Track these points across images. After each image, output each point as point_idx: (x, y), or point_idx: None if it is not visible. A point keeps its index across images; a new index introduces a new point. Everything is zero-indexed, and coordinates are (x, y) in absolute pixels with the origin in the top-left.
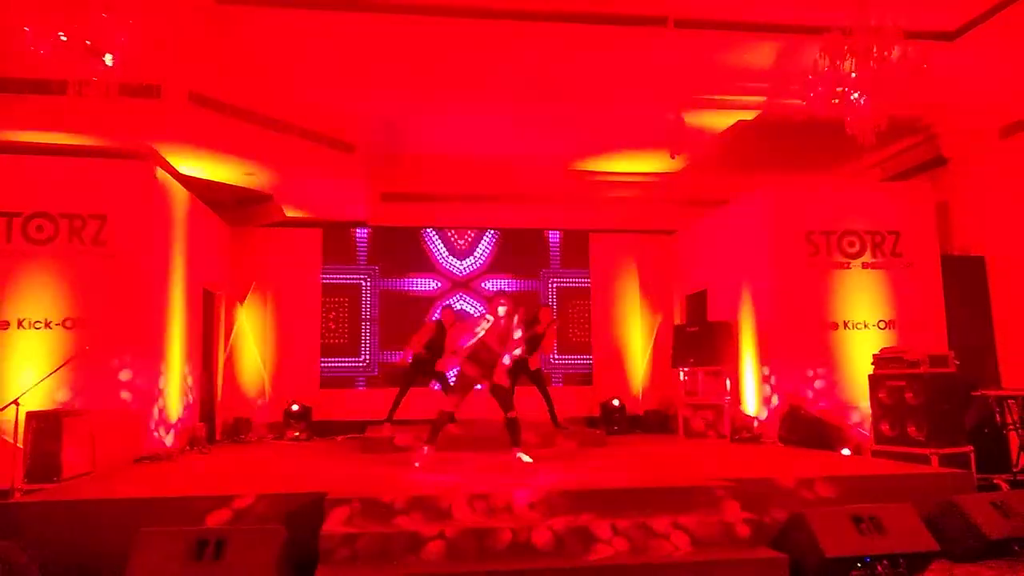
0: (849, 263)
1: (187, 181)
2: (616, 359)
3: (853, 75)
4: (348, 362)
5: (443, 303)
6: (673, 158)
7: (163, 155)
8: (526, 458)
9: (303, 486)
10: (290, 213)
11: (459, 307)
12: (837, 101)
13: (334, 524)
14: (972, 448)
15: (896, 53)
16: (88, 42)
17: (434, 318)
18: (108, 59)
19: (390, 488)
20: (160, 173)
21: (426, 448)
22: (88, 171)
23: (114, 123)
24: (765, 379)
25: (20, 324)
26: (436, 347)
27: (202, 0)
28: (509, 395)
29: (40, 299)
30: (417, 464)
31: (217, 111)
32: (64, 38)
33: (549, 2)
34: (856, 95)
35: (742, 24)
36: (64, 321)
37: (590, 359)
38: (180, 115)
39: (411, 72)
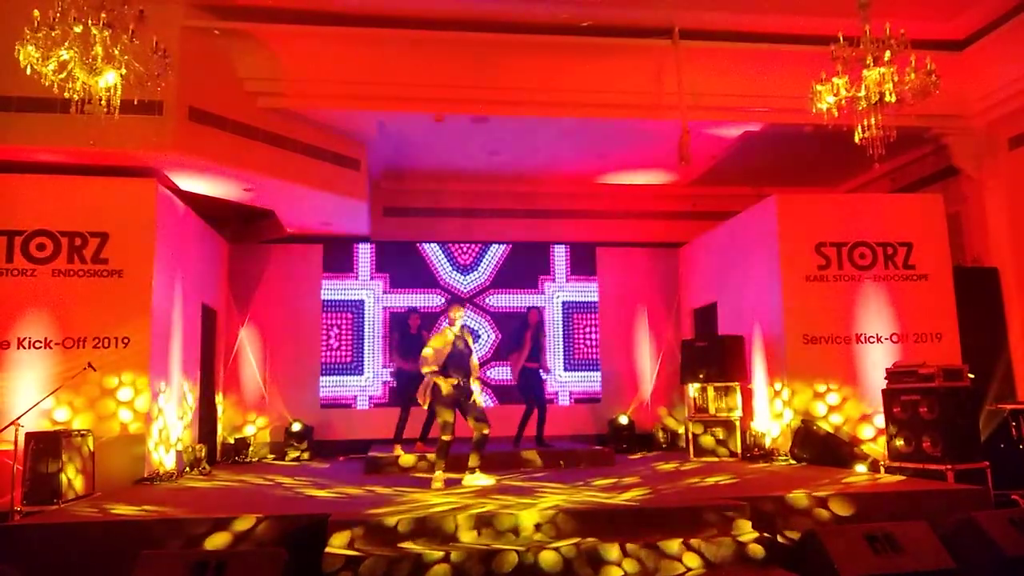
0: (861, 275)
1: (188, 197)
2: (624, 375)
3: (861, 85)
4: (350, 380)
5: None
6: (681, 163)
7: (164, 171)
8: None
9: (305, 508)
10: (291, 229)
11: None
12: (846, 111)
13: (337, 547)
14: (988, 463)
15: (907, 64)
16: (90, 60)
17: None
18: (110, 77)
19: (394, 510)
20: (161, 190)
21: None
22: (89, 189)
23: (115, 140)
24: (776, 394)
25: (20, 344)
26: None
27: (204, 16)
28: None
29: (40, 318)
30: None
31: (218, 127)
32: (66, 56)
33: (553, 13)
34: (864, 105)
35: (750, 35)
36: (64, 340)
37: (598, 375)
38: (181, 131)
39: (415, 85)
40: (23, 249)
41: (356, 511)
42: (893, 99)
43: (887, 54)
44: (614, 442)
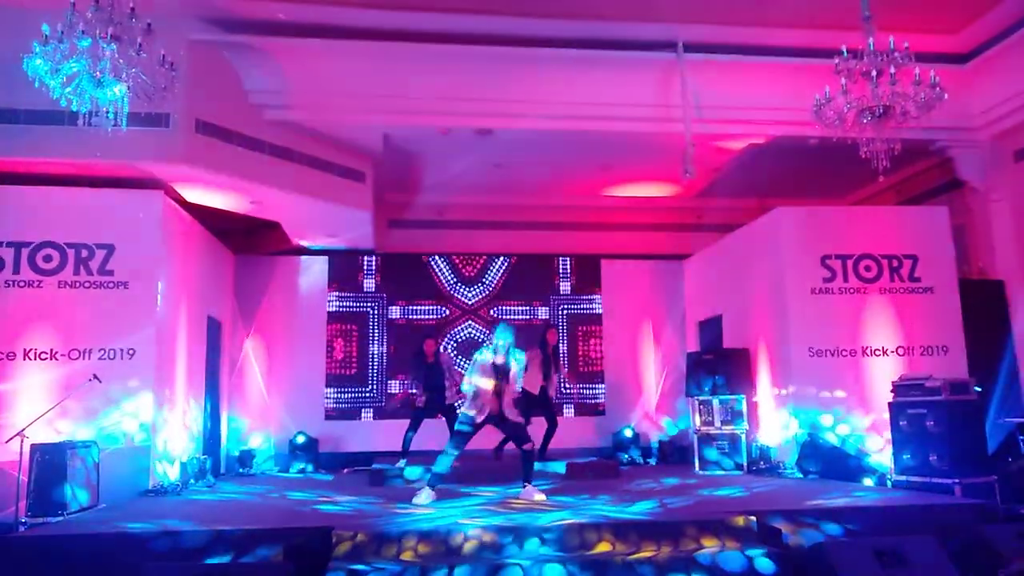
0: (866, 288)
1: (194, 209)
2: (629, 387)
3: (866, 97)
4: (355, 392)
5: (448, 331)
6: (685, 176)
7: (170, 184)
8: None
9: (308, 520)
10: (297, 241)
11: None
12: (850, 124)
13: (340, 559)
14: (996, 477)
15: (911, 77)
16: (97, 73)
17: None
18: (118, 89)
19: (398, 522)
20: (167, 202)
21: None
22: (95, 201)
23: (122, 152)
24: (782, 407)
25: (26, 355)
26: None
27: (211, 30)
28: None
29: (46, 330)
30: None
31: (225, 140)
32: (74, 68)
33: (557, 27)
34: (869, 118)
35: (754, 48)
36: (70, 352)
37: (602, 387)
38: (188, 144)
39: (420, 98)
40: (30, 260)
41: (360, 523)
42: (897, 112)
43: (891, 68)
44: (618, 455)
